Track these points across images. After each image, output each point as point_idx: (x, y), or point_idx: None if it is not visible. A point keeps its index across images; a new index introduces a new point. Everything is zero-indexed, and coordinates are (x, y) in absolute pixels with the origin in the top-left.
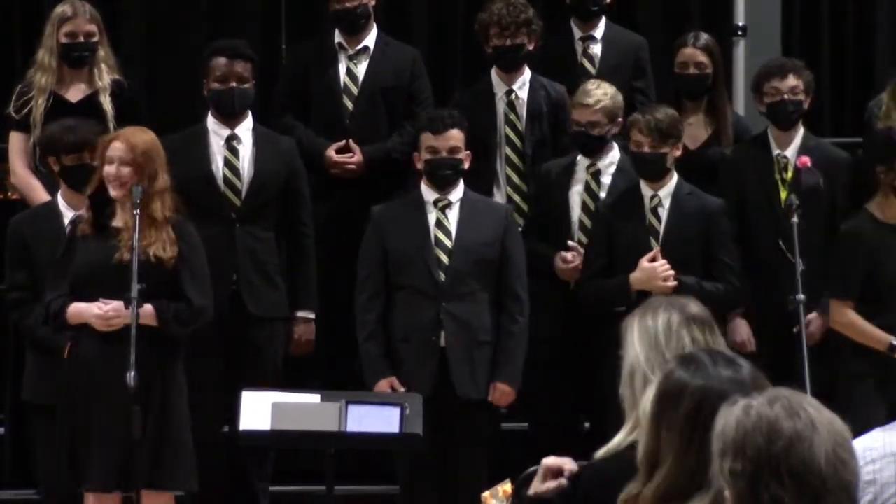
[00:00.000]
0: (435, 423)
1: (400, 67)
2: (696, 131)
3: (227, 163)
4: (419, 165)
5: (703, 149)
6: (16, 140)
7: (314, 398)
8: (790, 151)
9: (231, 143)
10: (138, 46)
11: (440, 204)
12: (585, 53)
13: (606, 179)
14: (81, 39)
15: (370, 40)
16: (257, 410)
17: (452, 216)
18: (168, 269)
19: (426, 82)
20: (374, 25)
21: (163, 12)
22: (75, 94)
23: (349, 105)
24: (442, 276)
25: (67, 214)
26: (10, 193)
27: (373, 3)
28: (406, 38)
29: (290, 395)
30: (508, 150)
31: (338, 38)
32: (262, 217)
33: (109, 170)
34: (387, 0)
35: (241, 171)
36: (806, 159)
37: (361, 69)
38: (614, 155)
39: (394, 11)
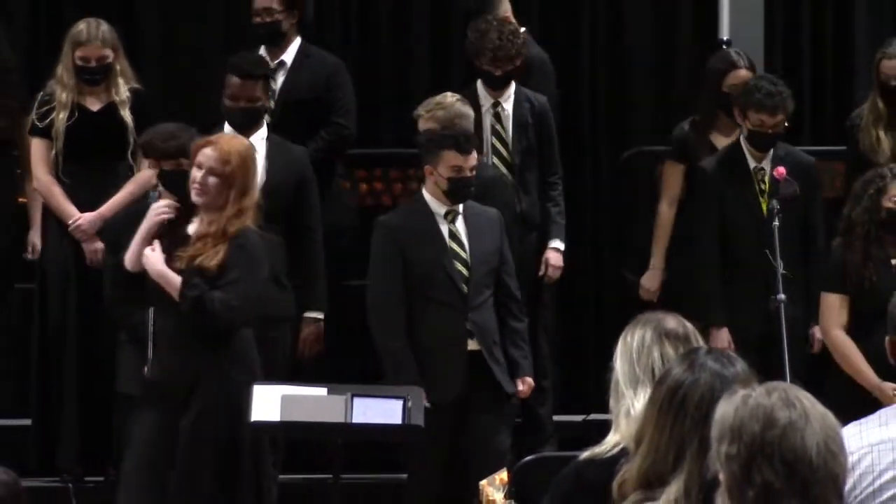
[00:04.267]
0: (459, 426)
1: (316, 79)
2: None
3: None
4: (434, 180)
5: None
6: (38, 147)
7: (321, 391)
8: (766, 163)
9: None
10: (154, 56)
11: (450, 216)
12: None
13: None
14: (93, 64)
15: (289, 55)
16: (268, 402)
17: (461, 227)
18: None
19: (345, 91)
20: (298, 39)
21: (177, 21)
22: (95, 103)
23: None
24: (465, 288)
25: None
26: (18, 197)
27: (293, 20)
28: (406, 39)
29: (298, 388)
30: (496, 160)
31: (262, 52)
32: (274, 222)
33: (195, 175)
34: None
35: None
36: (782, 170)
37: (278, 84)
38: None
39: (396, 13)
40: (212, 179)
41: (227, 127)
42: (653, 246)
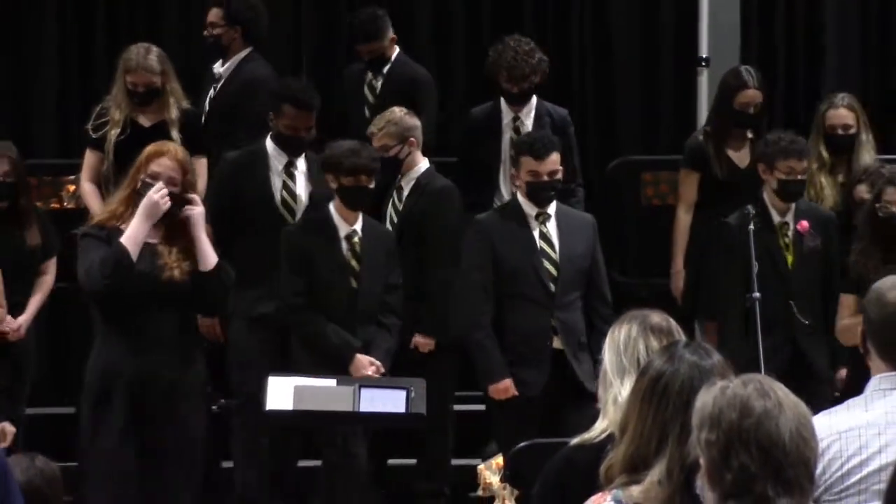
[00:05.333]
0: (544, 421)
1: (242, 89)
2: (743, 154)
3: (286, 186)
4: (517, 183)
5: (748, 169)
6: (88, 157)
7: (331, 382)
8: (789, 216)
9: (289, 168)
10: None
11: (541, 217)
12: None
13: (404, 195)
14: (141, 90)
15: (229, 68)
16: (281, 393)
17: (552, 228)
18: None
19: (260, 110)
20: (244, 51)
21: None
22: (147, 120)
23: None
24: (552, 287)
25: (341, 227)
26: (65, 203)
27: (235, 34)
28: (409, 46)
29: (310, 379)
30: (515, 172)
31: (217, 65)
32: None
33: (161, 185)
34: (394, 8)
35: (297, 194)
36: (806, 224)
37: (210, 95)
38: (416, 171)
39: (399, 21)
40: (174, 189)
41: (269, 144)
42: (673, 250)
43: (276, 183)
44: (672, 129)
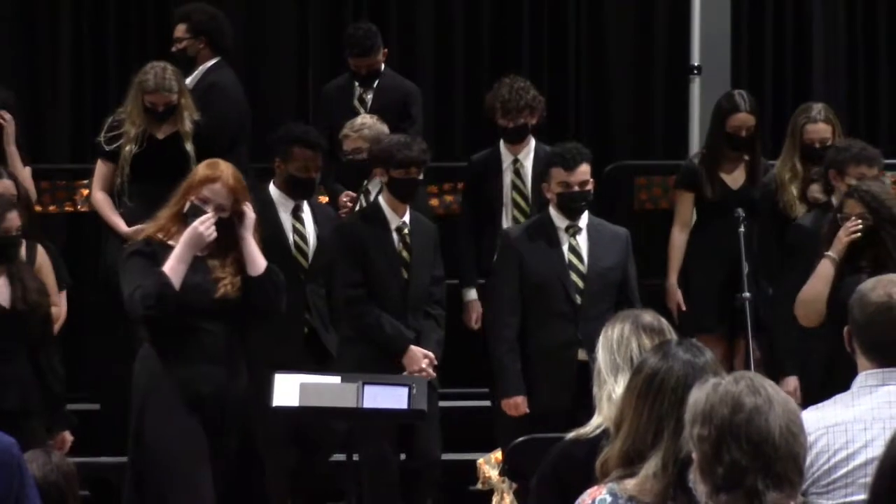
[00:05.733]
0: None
1: (202, 95)
2: (738, 175)
3: (296, 230)
4: (548, 196)
5: (743, 188)
6: (100, 167)
7: (335, 379)
8: None
9: (297, 213)
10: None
11: (571, 230)
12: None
13: (371, 198)
14: (161, 109)
15: (195, 78)
16: (288, 390)
17: (582, 241)
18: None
19: (213, 111)
20: (209, 63)
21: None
22: (161, 132)
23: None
24: (579, 300)
25: (391, 219)
26: (79, 206)
27: (200, 45)
28: (411, 73)
29: (315, 376)
30: (516, 212)
31: (187, 80)
32: (321, 275)
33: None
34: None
35: (308, 238)
36: None
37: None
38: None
39: (401, 47)
40: (223, 215)
41: (273, 190)
42: (668, 266)
43: (287, 228)
44: (665, 135)
